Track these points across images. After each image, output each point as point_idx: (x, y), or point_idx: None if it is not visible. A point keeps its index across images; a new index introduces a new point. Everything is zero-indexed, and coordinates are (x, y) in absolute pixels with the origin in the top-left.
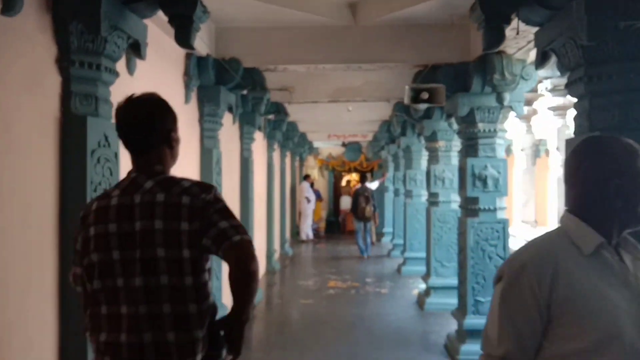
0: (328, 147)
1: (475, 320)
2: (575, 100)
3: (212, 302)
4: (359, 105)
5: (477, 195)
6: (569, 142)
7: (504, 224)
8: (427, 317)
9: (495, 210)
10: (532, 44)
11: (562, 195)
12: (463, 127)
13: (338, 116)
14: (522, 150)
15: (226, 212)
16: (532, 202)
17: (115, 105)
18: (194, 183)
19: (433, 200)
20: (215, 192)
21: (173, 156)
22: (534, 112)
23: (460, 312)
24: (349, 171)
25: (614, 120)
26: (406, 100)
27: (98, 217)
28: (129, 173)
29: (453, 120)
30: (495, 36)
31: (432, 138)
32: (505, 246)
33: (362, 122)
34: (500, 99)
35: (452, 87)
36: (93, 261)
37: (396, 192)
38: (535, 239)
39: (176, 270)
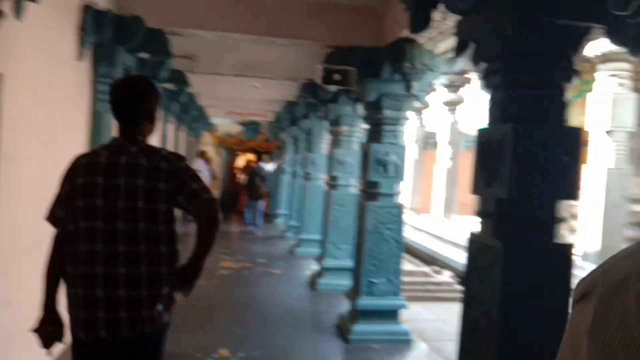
0: (226, 124)
1: (369, 301)
2: (479, 93)
3: (177, 248)
4: (266, 82)
5: (378, 180)
6: (481, 132)
7: (400, 209)
8: (319, 298)
9: (393, 195)
10: (442, 35)
11: (447, 186)
12: (370, 112)
13: (242, 92)
14: (415, 141)
15: (195, 176)
16: (419, 191)
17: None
18: (170, 152)
19: (333, 183)
20: (186, 160)
21: (151, 129)
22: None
23: (353, 292)
24: (247, 151)
25: (529, 113)
26: (318, 80)
27: (87, 170)
28: (116, 139)
29: (358, 105)
30: (422, 19)
31: (336, 122)
32: (400, 230)
33: (265, 100)
34: (408, 88)
35: (363, 72)
36: (78, 206)
37: (294, 175)
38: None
39: (152, 219)
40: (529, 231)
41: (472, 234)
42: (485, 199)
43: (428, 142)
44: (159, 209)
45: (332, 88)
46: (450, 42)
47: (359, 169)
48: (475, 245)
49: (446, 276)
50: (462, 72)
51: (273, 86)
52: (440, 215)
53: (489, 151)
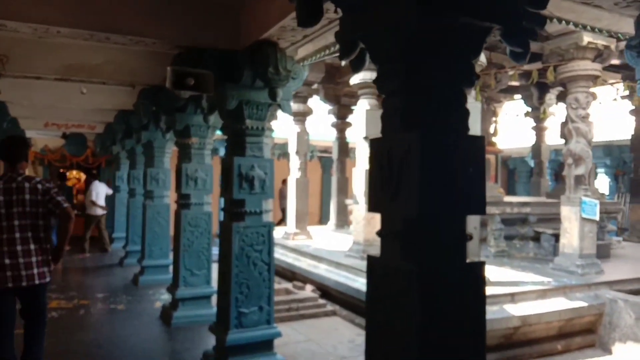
0: (45, 137)
1: (239, 335)
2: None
3: (50, 234)
4: (95, 88)
5: (243, 197)
6: (376, 142)
7: (269, 227)
8: (176, 335)
9: (261, 213)
10: (306, 39)
11: (298, 197)
12: (229, 122)
13: (65, 100)
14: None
15: (58, 192)
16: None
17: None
18: (41, 179)
19: (184, 202)
20: (51, 183)
21: (26, 166)
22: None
23: (220, 326)
24: (71, 167)
25: (432, 121)
26: (168, 84)
27: None
28: (6, 172)
29: (210, 115)
30: (313, 10)
31: (184, 134)
32: (270, 251)
33: (94, 110)
34: (273, 95)
35: (220, 76)
36: None
37: (132, 193)
38: None
39: (34, 217)
40: (441, 251)
41: (372, 258)
42: (389, 217)
43: (276, 152)
44: (38, 211)
45: (185, 94)
46: (311, 47)
47: (211, 185)
48: (379, 270)
49: (309, 291)
50: (310, 83)
51: (104, 92)
52: (293, 228)
53: (389, 164)
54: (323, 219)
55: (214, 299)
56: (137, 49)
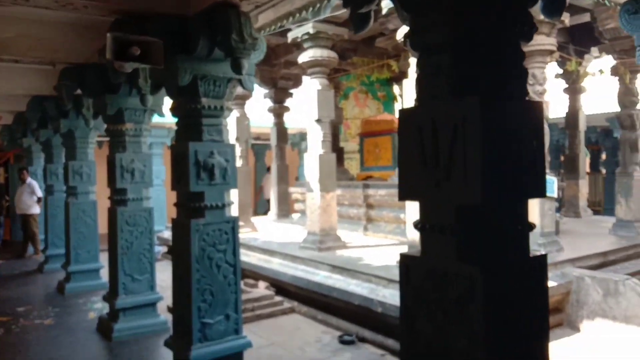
0: None
1: (204, 349)
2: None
3: None
4: (5, 69)
5: (202, 189)
6: (410, 113)
7: (234, 223)
8: (120, 350)
9: (224, 207)
10: (271, 2)
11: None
12: (182, 101)
13: None
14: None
15: None
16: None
17: None
18: None
19: (120, 198)
20: None
21: None
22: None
23: (180, 340)
24: None
25: (488, 83)
26: (108, 55)
27: None
28: None
29: (152, 95)
30: None
31: (117, 119)
32: (235, 250)
33: (0, 97)
34: (237, 67)
35: (169, 47)
36: None
37: (49, 190)
38: None
39: None
40: (505, 245)
41: (409, 258)
42: (434, 206)
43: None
44: None
45: (129, 67)
46: (272, 14)
47: (151, 177)
48: (422, 274)
49: (262, 288)
50: None
51: (16, 74)
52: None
53: (434, 139)
54: (259, 210)
55: (160, 306)
56: (61, 15)
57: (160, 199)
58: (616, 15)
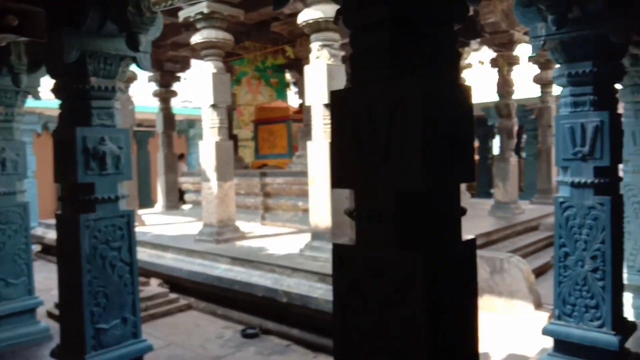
0: None
1: (99, 357)
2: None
3: None
4: None
5: (92, 180)
6: (337, 95)
7: (129, 217)
8: None
9: (117, 199)
10: None
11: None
12: (66, 81)
13: None
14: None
15: None
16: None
17: None
18: None
19: None
20: None
21: None
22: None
23: (69, 350)
24: None
25: (424, 62)
26: None
27: None
28: None
29: (30, 74)
30: None
31: None
32: (131, 248)
33: None
34: (134, 43)
35: (52, 19)
36: None
37: None
38: None
39: None
40: (442, 231)
41: (343, 248)
42: (372, 192)
43: None
44: None
45: (2, 40)
46: None
47: (25, 167)
48: (358, 263)
49: (155, 286)
50: None
51: None
52: None
53: (370, 122)
54: (142, 201)
55: (40, 311)
56: None
57: (30, 192)
58: (497, 10)
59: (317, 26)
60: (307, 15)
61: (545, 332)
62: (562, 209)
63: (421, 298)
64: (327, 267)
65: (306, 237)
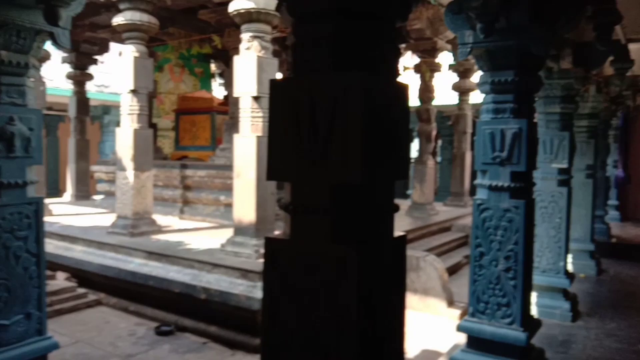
0: None
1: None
2: None
3: None
4: None
5: None
6: (284, 86)
7: (37, 205)
8: None
9: (25, 185)
10: None
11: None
12: None
13: None
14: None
15: None
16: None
17: None
18: None
19: None
20: None
21: None
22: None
23: None
24: None
25: (365, 59)
26: None
27: None
28: None
29: None
30: None
31: None
32: (39, 238)
33: None
34: (53, 16)
35: None
36: None
37: None
38: None
39: None
40: (377, 227)
41: (276, 242)
42: (308, 186)
43: None
44: None
45: None
46: None
47: None
48: (291, 258)
49: (62, 280)
50: None
51: None
52: None
53: (311, 114)
54: (50, 190)
55: None
56: None
57: None
58: (423, 17)
59: (249, 16)
60: (238, 5)
61: (460, 328)
62: (480, 210)
63: (354, 293)
64: (250, 263)
65: (227, 233)
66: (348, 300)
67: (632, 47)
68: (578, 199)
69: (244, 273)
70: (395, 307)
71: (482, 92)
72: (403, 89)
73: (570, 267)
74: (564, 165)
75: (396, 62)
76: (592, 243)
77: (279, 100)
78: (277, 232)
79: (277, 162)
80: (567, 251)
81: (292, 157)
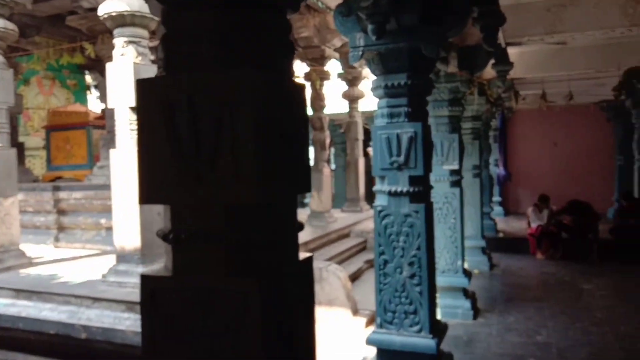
0: None
1: None
2: None
3: None
4: None
5: None
6: (148, 84)
7: None
8: None
9: None
10: None
11: None
12: None
13: None
14: None
15: None
16: None
17: None
18: None
19: None
20: None
21: None
22: None
23: None
24: None
25: (259, 52)
26: None
27: None
28: None
29: None
30: None
31: None
32: None
33: None
34: None
35: None
36: None
37: None
38: None
39: None
40: (279, 250)
41: (155, 280)
42: (192, 208)
43: None
44: None
45: None
46: None
47: None
48: (175, 296)
49: None
50: None
51: None
52: None
53: (193, 121)
54: None
55: None
56: None
57: None
58: (310, 25)
59: (122, 20)
60: (109, 7)
61: (369, 341)
62: (381, 217)
63: (258, 333)
64: (136, 294)
65: (111, 260)
66: (251, 338)
67: (510, 50)
68: (468, 198)
69: (131, 306)
70: (307, 337)
71: (376, 96)
72: (300, 90)
73: (466, 265)
74: (455, 167)
75: (291, 59)
76: (483, 239)
77: (150, 104)
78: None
79: (150, 180)
80: (463, 250)
81: (170, 173)
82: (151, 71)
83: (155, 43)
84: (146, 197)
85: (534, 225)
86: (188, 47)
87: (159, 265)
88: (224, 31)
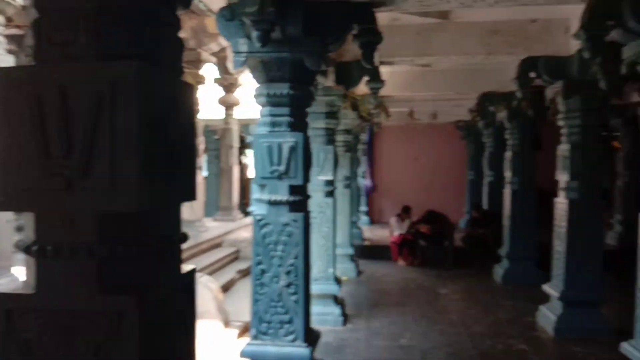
0: None
1: None
2: None
3: None
4: None
5: None
6: (11, 73)
7: None
8: None
9: None
10: None
11: None
12: None
13: None
14: None
15: None
16: None
17: None
18: None
19: None
20: None
21: None
22: None
23: None
24: None
25: (141, 45)
26: None
27: None
28: None
29: None
30: None
31: None
32: None
33: None
34: None
35: None
36: None
37: None
38: None
39: None
40: (159, 264)
41: (9, 297)
42: (60, 217)
43: None
44: None
45: None
46: None
47: None
48: (36, 318)
49: None
50: None
51: None
52: None
53: (66, 116)
54: None
55: None
56: None
57: None
58: (186, 27)
59: None
60: None
61: (244, 354)
62: (260, 226)
63: (134, 353)
64: None
65: None
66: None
67: (383, 69)
68: (339, 207)
69: None
70: (187, 355)
71: (259, 104)
72: (189, 90)
73: (336, 272)
74: (330, 177)
75: (180, 55)
76: (351, 247)
77: (14, 96)
78: (16, 270)
79: (10, 183)
80: (335, 258)
81: (35, 176)
82: (6, 62)
83: (12, 31)
84: (6, 204)
85: (396, 233)
86: (62, 34)
87: (9, 279)
88: (105, 19)
